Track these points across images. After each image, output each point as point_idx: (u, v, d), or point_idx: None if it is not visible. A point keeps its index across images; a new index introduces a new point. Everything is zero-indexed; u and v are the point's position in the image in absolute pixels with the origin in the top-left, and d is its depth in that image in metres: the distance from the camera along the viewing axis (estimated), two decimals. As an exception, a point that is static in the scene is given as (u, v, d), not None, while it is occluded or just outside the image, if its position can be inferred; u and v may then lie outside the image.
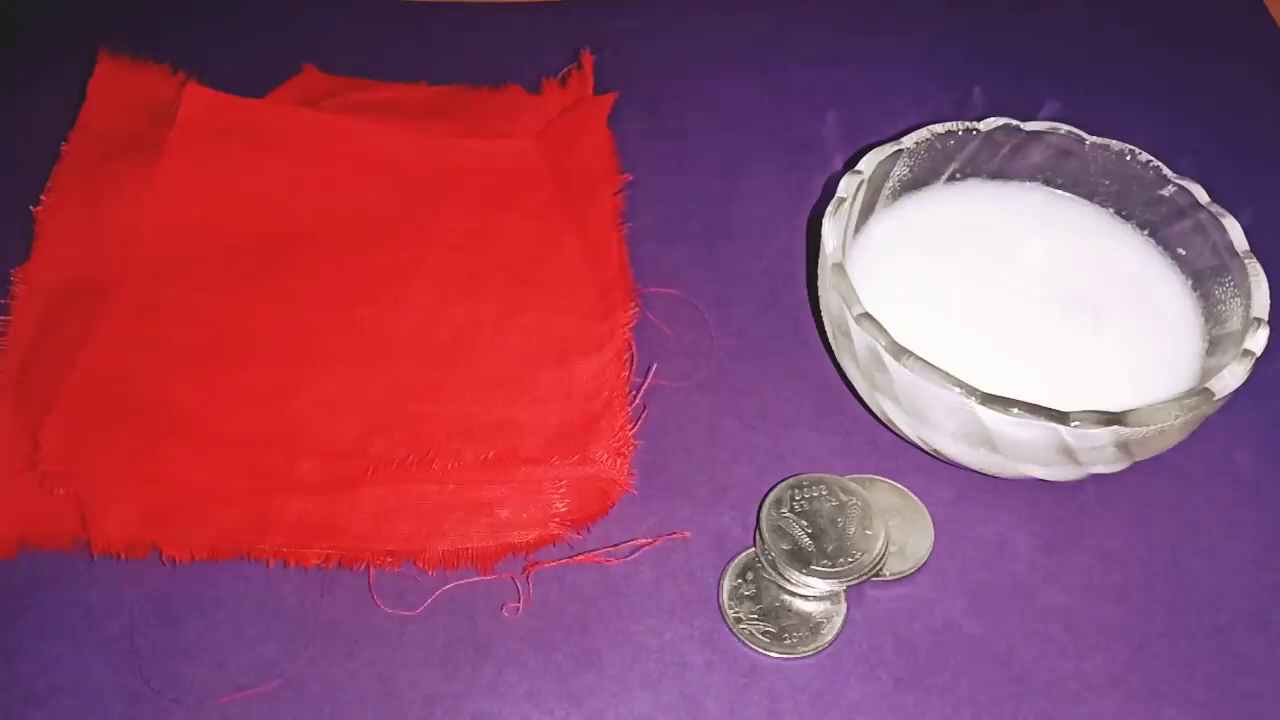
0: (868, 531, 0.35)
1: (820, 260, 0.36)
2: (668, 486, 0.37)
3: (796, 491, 0.36)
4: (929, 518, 0.36)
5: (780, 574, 0.34)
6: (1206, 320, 0.37)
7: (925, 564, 0.35)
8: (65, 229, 0.41)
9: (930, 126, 0.39)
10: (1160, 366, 0.36)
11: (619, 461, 0.36)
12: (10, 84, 0.49)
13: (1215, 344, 0.36)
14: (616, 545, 0.36)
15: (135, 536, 0.34)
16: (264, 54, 0.50)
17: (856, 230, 0.38)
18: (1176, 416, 0.31)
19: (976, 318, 0.37)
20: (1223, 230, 0.36)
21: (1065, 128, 0.39)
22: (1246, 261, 0.35)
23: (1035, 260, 0.39)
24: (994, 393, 0.31)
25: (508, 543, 0.35)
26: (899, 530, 0.36)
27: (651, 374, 0.40)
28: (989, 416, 0.32)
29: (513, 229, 0.43)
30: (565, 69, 0.49)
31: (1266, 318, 0.34)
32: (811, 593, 0.34)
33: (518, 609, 0.34)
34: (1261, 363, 0.33)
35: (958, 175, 0.41)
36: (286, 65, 0.49)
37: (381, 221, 0.43)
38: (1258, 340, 0.33)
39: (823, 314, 0.37)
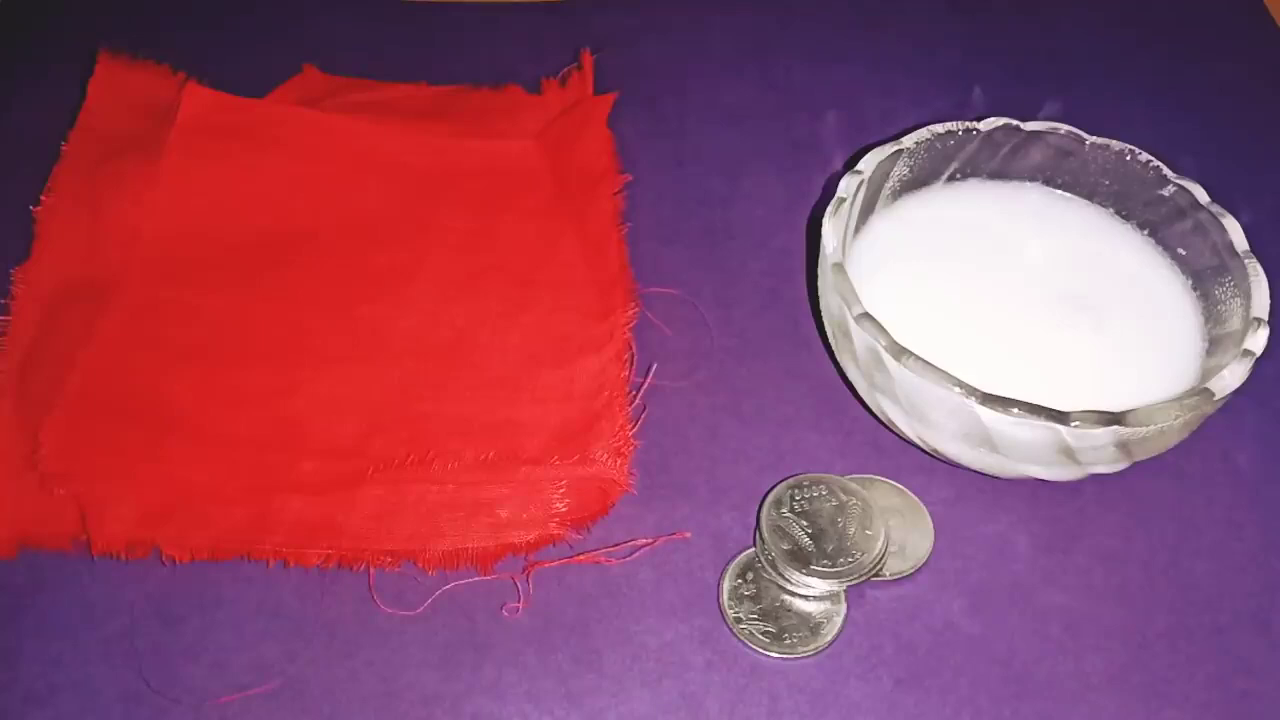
0: (868, 531, 0.35)
1: (820, 260, 0.36)
2: (668, 486, 0.37)
3: (796, 491, 0.36)
4: (929, 518, 0.36)
5: (780, 574, 0.34)
6: (1206, 320, 0.37)
7: (925, 564, 0.35)
8: (65, 229, 0.41)
9: (930, 126, 0.39)
10: (1160, 366, 0.36)
11: (619, 461, 0.36)
12: (10, 84, 0.49)
13: (1215, 344, 0.36)
14: (616, 545, 0.36)
15: (135, 536, 0.34)
16: (264, 54, 0.50)
17: (856, 230, 0.38)
18: (1176, 416, 0.31)
19: (976, 318, 0.37)
20: (1223, 230, 0.36)
21: (1065, 128, 0.39)
22: (1246, 261, 0.35)
23: (1035, 260, 0.39)
24: (994, 393, 0.31)
25: (508, 543, 0.35)
26: (899, 530, 0.36)
27: (651, 374, 0.40)
28: (989, 416, 0.32)
29: (513, 229, 0.43)
30: (565, 69, 0.49)
31: (1266, 318, 0.34)
32: (811, 593, 0.34)
33: (518, 609, 0.34)
34: (1261, 363, 0.33)
35: (958, 175, 0.41)
36: (286, 65, 0.49)
37: (381, 221, 0.43)
38: (1258, 340, 0.33)
39: (823, 314, 0.37)
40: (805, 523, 0.35)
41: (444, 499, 0.35)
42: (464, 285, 0.41)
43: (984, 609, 0.35)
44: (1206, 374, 0.35)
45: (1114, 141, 0.39)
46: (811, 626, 0.34)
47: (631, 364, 0.39)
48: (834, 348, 0.37)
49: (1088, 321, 0.37)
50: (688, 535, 0.36)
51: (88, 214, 0.42)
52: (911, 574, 0.35)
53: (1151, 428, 0.31)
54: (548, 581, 0.35)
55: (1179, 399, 0.32)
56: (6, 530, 0.35)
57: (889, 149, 0.38)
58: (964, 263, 0.39)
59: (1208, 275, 0.37)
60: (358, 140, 0.45)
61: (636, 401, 0.39)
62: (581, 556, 0.35)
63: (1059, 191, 0.41)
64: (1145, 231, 0.39)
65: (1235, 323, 0.35)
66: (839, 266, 0.35)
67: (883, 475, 0.37)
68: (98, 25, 0.51)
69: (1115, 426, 0.31)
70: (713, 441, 0.38)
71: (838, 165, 0.47)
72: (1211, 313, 0.37)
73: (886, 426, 0.37)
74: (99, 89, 0.46)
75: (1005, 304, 0.37)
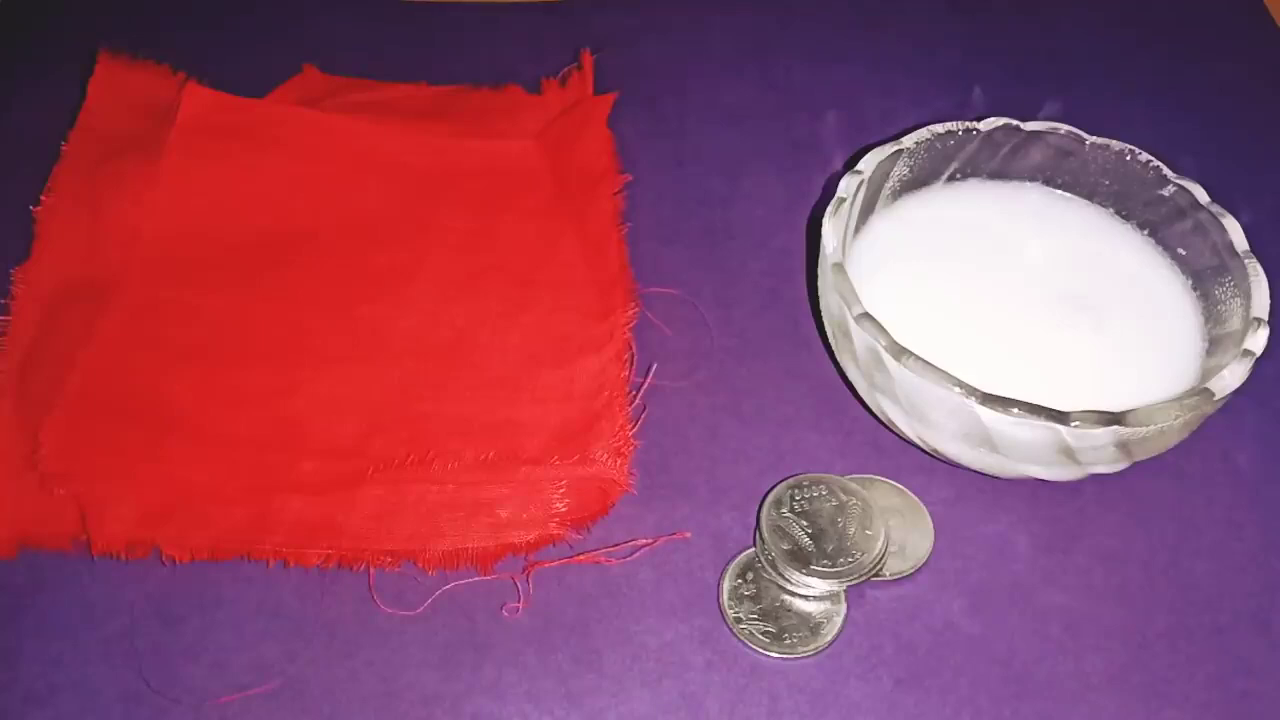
0: (868, 531, 0.35)
1: (820, 260, 0.36)
2: (668, 486, 0.37)
3: (796, 491, 0.36)
4: (929, 518, 0.36)
5: (780, 574, 0.34)
6: (1206, 320, 0.37)
7: (925, 564, 0.35)
8: (65, 229, 0.41)
9: (930, 126, 0.39)
10: (1160, 366, 0.36)
11: (619, 461, 0.36)
12: (10, 84, 0.49)
13: (1215, 344, 0.36)
14: (616, 545, 0.36)
15: (135, 536, 0.34)
16: (264, 54, 0.50)
17: (856, 230, 0.38)
18: (1176, 416, 0.31)
19: (976, 318, 0.37)
20: (1223, 230, 0.36)
21: (1065, 128, 0.39)
22: (1246, 261, 0.35)
23: (1035, 260, 0.39)
24: (994, 393, 0.31)
25: (508, 543, 0.35)
26: (899, 530, 0.36)
27: (651, 374, 0.40)
28: (989, 416, 0.32)
29: (513, 229, 0.43)
30: (565, 69, 0.49)
31: (1266, 318, 0.34)
32: (811, 593, 0.34)
33: (518, 609, 0.34)
34: (1261, 363, 0.33)
35: (958, 175, 0.41)
36: (286, 65, 0.49)
37: (381, 221, 0.43)
38: (1258, 340, 0.33)
39: (823, 314, 0.37)
40: (805, 523, 0.35)
41: (444, 499, 0.35)
42: (464, 285, 0.41)
43: (984, 609, 0.35)
44: (1206, 374, 0.35)
45: (1114, 141, 0.39)
46: (811, 626, 0.34)
47: (631, 364, 0.39)
48: (834, 348, 0.37)
49: (1088, 321, 0.37)
50: (688, 535, 0.36)
51: (88, 214, 0.42)
52: (911, 574, 0.35)
53: (1151, 428, 0.31)
54: (548, 581, 0.35)
55: (1179, 399, 0.32)
56: (6, 530, 0.35)
57: (889, 149, 0.38)
58: (964, 263, 0.39)
59: (1208, 275, 0.37)
60: (358, 140, 0.45)
61: (636, 401, 0.39)
62: (581, 556, 0.35)
63: (1059, 191, 0.41)
64: (1145, 231, 0.39)
65: (1235, 323, 0.35)
66: (839, 266, 0.35)
67: (883, 475, 0.37)
68: (98, 25, 0.51)
69: (1115, 426, 0.31)
70: (713, 441, 0.38)
71: (838, 165, 0.47)
72: (1211, 313, 0.37)
73: (886, 426, 0.37)
74: (99, 89, 0.46)
75: (1005, 304, 0.37)
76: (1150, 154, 0.39)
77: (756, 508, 0.36)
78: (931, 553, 0.36)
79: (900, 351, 0.32)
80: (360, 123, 0.45)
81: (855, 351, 0.34)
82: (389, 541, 0.34)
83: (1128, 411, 0.31)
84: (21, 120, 0.47)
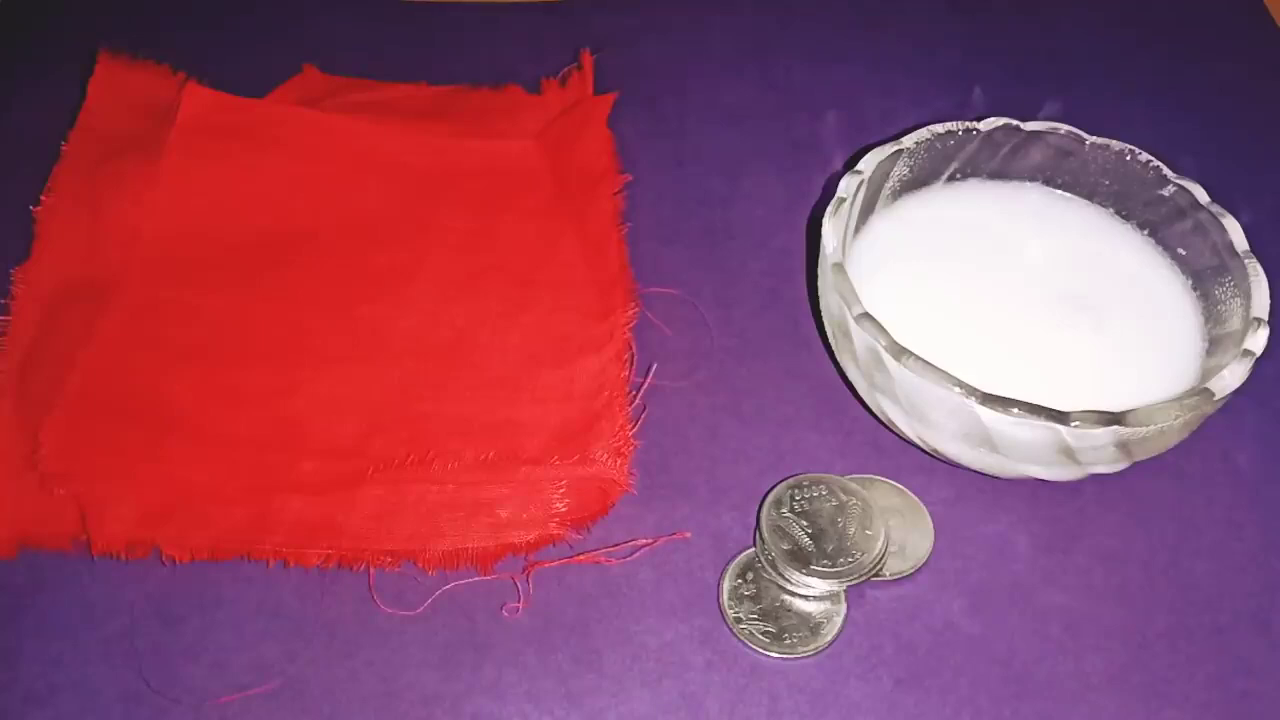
0: (868, 531, 0.35)
1: (820, 260, 0.36)
2: (668, 486, 0.37)
3: (796, 491, 0.36)
4: (929, 518, 0.36)
5: (780, 574, 0.34)
6: (1206, 320, 0.37)
7: (925, 564, 0.35)
8: (65, 229, 0.41)
9: (930, 126, 0.39)
10: (1160, 366, 0.36)
11: (619, 461, 0.36)
12: (10, 84, 0.49)
13: (1215, 344, 0.36)
14: (616, 545, 0.36)
15: (135, 536, 0.34)
16: (264, 54, 0.50)
17: (856, 230, 0.38)
18: (1176, 416, 0.31)
19: (976, 318, 0.37)
20: (1223, 230, 0.36)
21: (1065, 128, 0.39)
22: (1246, 261, 0.35)
23: (1035, 260, 0.39)
24: (994, 393, 0.31)
25: (508, 543, 0.35)
26: (899, 530, 0.36)
27: (651, 374, 0.40)
28: (989, 416, 0.32)
29: (513, 229, 0.43)
30: (565, 69, 0.49)
31: (1266, 318, 0.34)
32: (811, 593, 0.34)
33: (518, 609, 0.34)
34: (1261, 363, 0.33)
35: (958, 175, 0.41)
36: (286, 65, 0.49)
37: (381, 221, 0.43)
38: (1258, 340, 0.33)
39: (823, 314, 0.37)
40: (805, 523, 0.35)
41: (444, 499, 0.35)
42: (464, 285, 0.41)
43: (984, 609, 0.35)
44: (1206, 374, 0.35)
45: (1114, 141, 0.39)
46: (811, 626, 0.34)
47: (631, 364, 0.39)
48: (834, 348, 0.37)
49: (1088, 321, 0.37)
50: (688, 535, 0.36)
51: (88, 214, 0.42)
52: (911, 574, 0.35)
53: (1151, 428, 0.31)
54: (548, 581, 0.35)
55: (1179, 399, 0.32)
56: (6, 530, 0.35)
57: (889, 149, 0.38)
58: (964, 263, 0.39)
59: (1208, 275, 0.37)
60: (358, 140, 0.45)
61: (636, 401, 0.39)
62: (581, 556, 0.35)
63: (1059, 191, 0.41)
64: (1145, 231, 0.39)
65: (1235, 323, 0.35)
66: (839, 266, 0.35)
67: (883, 475, 0.37)
68: (98, 25, 0.51)
69: (1115, 426, 0.31)
70: (713, 441, 0.38)
71: (838, 165, 0.47)
72: (1211, 313, 0.37)
73: (886, 426, 0.37)
74: (99, 89, 0.46)
75: (1005, 304, 0.37)
76: (1150, 154, 0.39)
77: (756, 508, 0.36)
78: (931, 553, 0.36)
79: (900, 351, 0.32)
80: (360, 123, 0.45)
81: (855, 351, 0.34)
82: (389, 541, 0.34)
83: (1128, 411, 0.31)
84: (21, 120, 0.47)
